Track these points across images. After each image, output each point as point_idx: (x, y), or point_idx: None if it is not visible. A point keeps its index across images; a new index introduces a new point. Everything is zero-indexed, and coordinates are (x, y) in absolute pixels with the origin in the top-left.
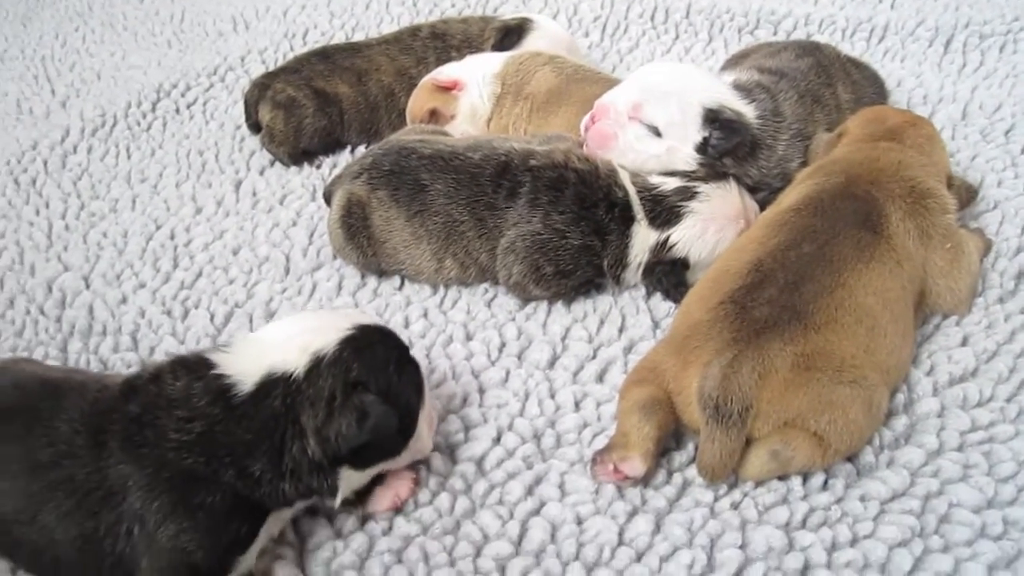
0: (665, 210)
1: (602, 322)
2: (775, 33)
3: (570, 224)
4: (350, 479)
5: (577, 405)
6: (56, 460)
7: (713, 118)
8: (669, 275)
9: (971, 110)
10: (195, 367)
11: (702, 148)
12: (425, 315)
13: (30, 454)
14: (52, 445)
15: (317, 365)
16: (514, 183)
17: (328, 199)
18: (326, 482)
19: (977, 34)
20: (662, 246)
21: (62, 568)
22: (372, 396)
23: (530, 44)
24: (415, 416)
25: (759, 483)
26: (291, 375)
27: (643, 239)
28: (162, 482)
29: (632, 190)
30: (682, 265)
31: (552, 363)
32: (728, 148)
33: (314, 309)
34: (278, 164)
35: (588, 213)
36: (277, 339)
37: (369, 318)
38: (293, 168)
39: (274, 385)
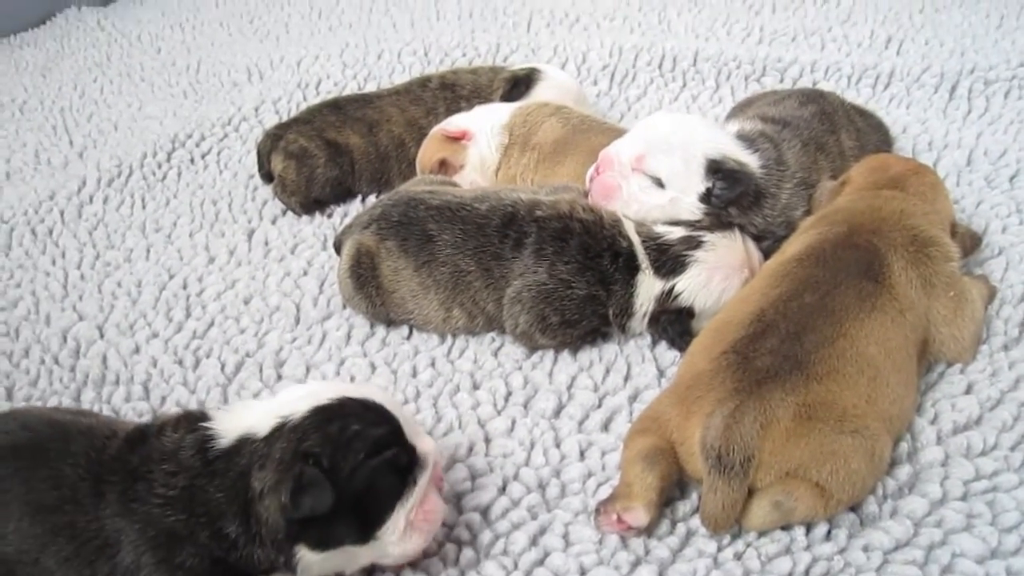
0: (670, 259)
1: (608, 371)
2: (781, 80)
3: (575, 274)
4: (310, 561)
5: (582, 454)
6: (60, 504)
7: (716, 168)
8: (674, 324)
9: (976, 156)
10: (193, 421)
11: (706, 198)
12: (433, 364)
13: (36, 496)
14: (57, 488)
15: (280, 429)
16: (520, 233)
17: (338, 249)
18: (282, 557)
19: (982, 80)
20: (667, 295)
21: None
22: (315, 471)
23: (538, 94)
24: (383, 507)
25: (762, 533)
26: (257, 436)
27: (648, 288)
28: (148, 539)
29: (637, 240)
30: (687, 314)
31: (558, 412)
32: (732, 198)
33: (338, 367)
34: (290, 214)
35: (593, 263)
36: (276, 401)
37: (375, 393)
38: (305, 218)
39: (245, 444)
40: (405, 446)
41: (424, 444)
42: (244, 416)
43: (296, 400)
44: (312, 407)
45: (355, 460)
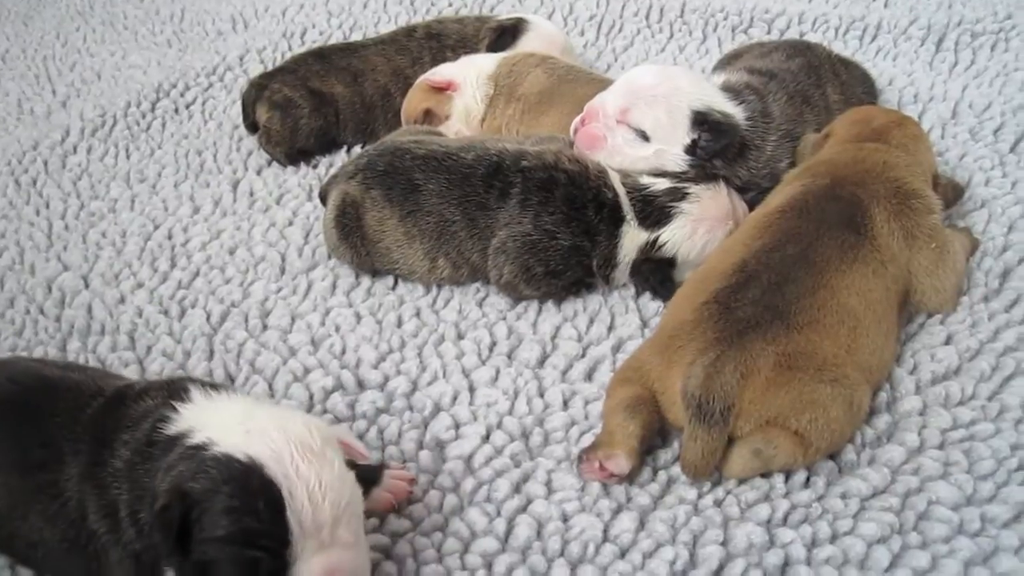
0: (655, 210)
1: (591, 321)
2: (769, 32)
3: (560, 225)
4: None
5: (565, 404)
6: (44, 462)
7: (701, 120)
8: (655, 273)
9: (961, 109)
10: (172, 394)
11: (691, 150)
12: (418, 314)
13: (21, 453)
14: (43, 446)
15: (200, 448)
16: (505, 184)
17: (324, 199)
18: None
19: (969, 32)
20: (651, 245)
21: (53, 566)
22: (174, 514)
23: (525, 44)
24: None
25: (742, 481)
26: (188, 440)
27: (632, 239)
28: (102, 508)
29: (622, 191)
30: (669, 264)
31: (542, 362)
32: (717, 150)
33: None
34: (275, 164)
35: (578, 214)
36: (243, 416)
37: (324, 476)
38: (290, 168)
39: (176, 442)
40: (278, 558)
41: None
42: (208, 411)
43: (250, 431)
44: (235, 453)
45: (212, 532)
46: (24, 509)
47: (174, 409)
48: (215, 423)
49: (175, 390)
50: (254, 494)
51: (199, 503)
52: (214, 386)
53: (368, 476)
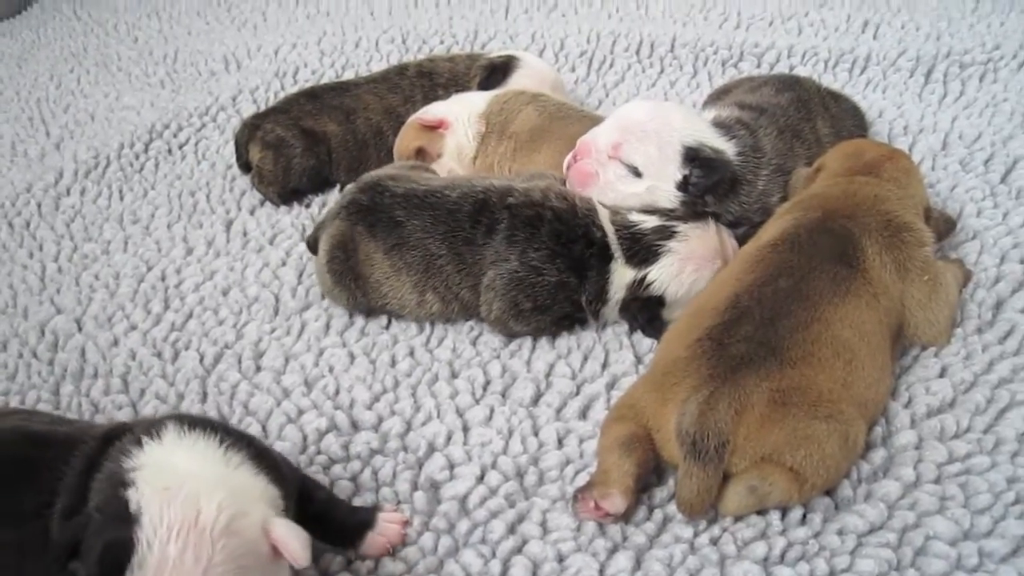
0: (643, 249)
1: (585, 358)
2: (759, 66)
3: (545, 261)
4: None
5: (560, 442)
6: (39, 511)
7: (693, 156)
8: (643, 311)
9: (951, 140)
10: (146, 430)
11: (683, 186)
12: (411, 353)
13: (17, 504)
14: (37, 494)
15: (113, 475)
16: (492, 220)
17: (312, 246)
18: None
19: (958, 63)
20: (639, 284)
21: None
22: (74, 534)
23: (516, 82)
24: None
25: (738, 518)
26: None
27: (621, 277)
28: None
29: (611, 229)
30: (658, 303)
31: (536, 400)
32: (708, 186)
33: (305, 346)
34: (268, 204)
35: (564, 250)
36: (180, 458)
37: (186, 518)
38: (283, 208)
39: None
40: None
41: None
42: (164, 454)
43: (169, 488)
44: (131, 505)
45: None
46: (18, 564)
47: (140, 446)
48: (158, 468)
49: (152, 428)
50: (107, 550)
51: (82, 545)
52: (205, 424)
53: (362, 520)
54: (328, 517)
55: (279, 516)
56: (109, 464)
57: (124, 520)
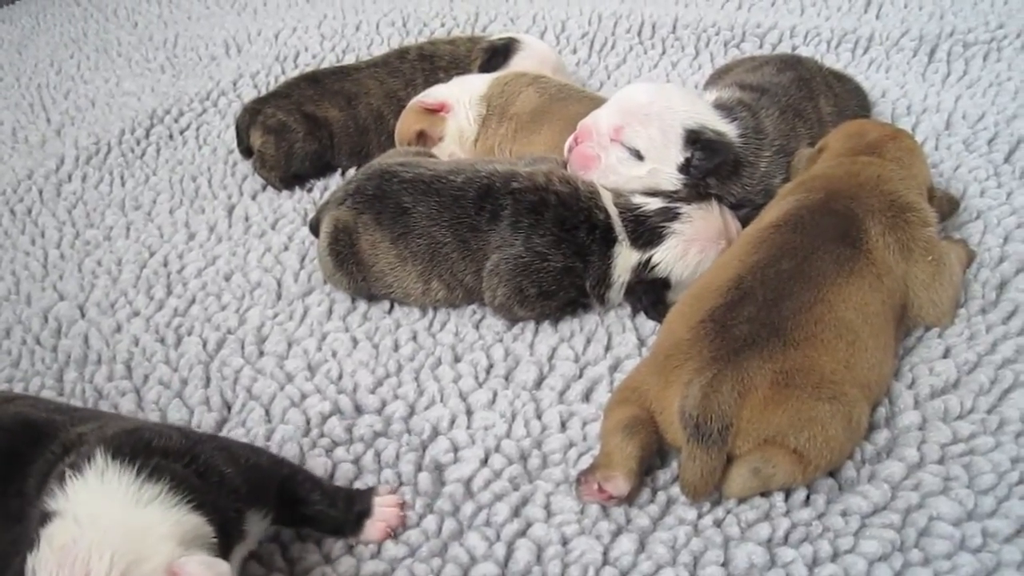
0: (647, 231)
1: (588, 341)
2: (761, 46)
3: (551, 247)
4: None
5: (563, 425)
6: (21, 514)
7: (694, 139)
8: (648, 293)
9: (955, 120)
10: (68, 466)
11: (685, 169)
12: (414, 338)
13: (3, 504)
14: (20, 495)
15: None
16: (496, 206)
17: (315, 229)
18: None
19: (961, 43)
20: (644, 266)
21: None
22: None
23: (517, 64)
24: None
25: (742, 500)
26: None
27: (625, 259)
28: None
29: (614, 211)
30: (663, 285)
31: (539, 383)
32: (710, 168)
33: (306, 333)
34: (270, 189)
35: (569, 235)
36: (85, 494)
37: (77, 554)
38: (285, 192)
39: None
40: None
41: None
42: (82, 486)
43: (78, 519)
44: (46, 531)
45: None
46: (5, 563)
47: (63, 484)
48: (65, 517)
49: (79, 460)
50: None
51: None
52: (134, 450)
53: (359, 511)
54: (324, 515)
55: (197, 550)
56: (45, 496)
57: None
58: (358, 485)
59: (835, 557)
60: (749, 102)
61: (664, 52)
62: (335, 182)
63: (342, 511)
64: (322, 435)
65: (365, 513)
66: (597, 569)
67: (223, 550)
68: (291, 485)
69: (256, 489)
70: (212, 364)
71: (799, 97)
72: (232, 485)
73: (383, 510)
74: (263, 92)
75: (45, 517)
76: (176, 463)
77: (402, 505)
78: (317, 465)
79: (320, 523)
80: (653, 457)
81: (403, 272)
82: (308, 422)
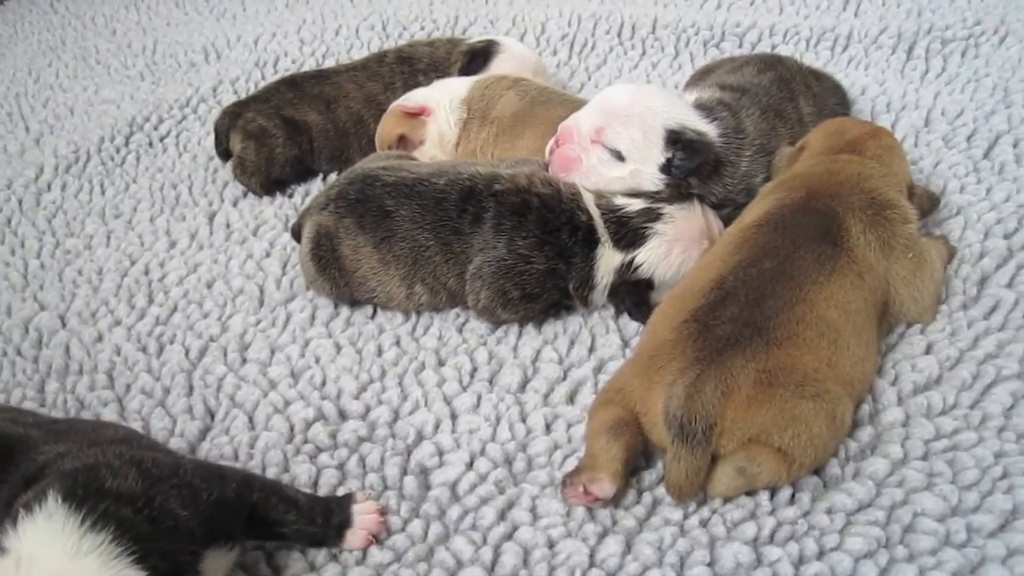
0: (630, 232)
1: (572, 343)
2: (740, 45)
3: (534, 249)
4: None
5: (548, 428)
6: None
7: (675, 139)
8: (631, 294)
9: (934, 116)
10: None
11: (666, 169)
12: (398, 343)
13: None
14: None
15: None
16: (478, 208)
17: (297, 234)
18: None
19: (939, 40)
20: (627, 267)
21: None
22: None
23: (497, 67)
24: None
25: (727, 500)
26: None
27: (608, 261)
28: None
29: (596, 213)
30: (646, 285)
31: (523, 386)
32: (691, 168)
33: (288, 342)
34: (251, 195)
35: (551, 237)
36: (30, 541)
37: None
38: (266, 198)
39: None
40: None
41: None
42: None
43: (19, 560)
44: None
45: None
46: None
47: (15, 524)
48: (7, 564)
49: (34, 499)
50: None
51: None
52: (85, 493)
53: (338, 523)
54: (303, 532)
55: None
56: (6, 526)
57: None
58: (342, 491)
59: (821, 555)
60: (729, 102)
61: (644, 53)
62: (316, 187)
63: (321, 526)
64: (306, 441)
65: (345, 523)
66: (584, 571)
67: None
68: (264, 510)
69: (217, 527)
70: (195, 372)
71: (779, 97)
72: (187, 528)
73: (363, 518)
74: (243, 98)
75: None
76: (127, 507)
77: (382, 511)
78: (301, 471)
79: (300, 539)
80: (638, 458)
81: (386, 276)
82: (292, 428)
